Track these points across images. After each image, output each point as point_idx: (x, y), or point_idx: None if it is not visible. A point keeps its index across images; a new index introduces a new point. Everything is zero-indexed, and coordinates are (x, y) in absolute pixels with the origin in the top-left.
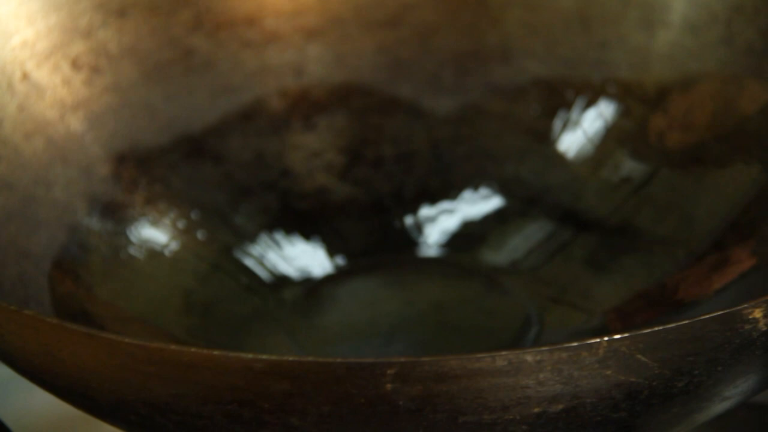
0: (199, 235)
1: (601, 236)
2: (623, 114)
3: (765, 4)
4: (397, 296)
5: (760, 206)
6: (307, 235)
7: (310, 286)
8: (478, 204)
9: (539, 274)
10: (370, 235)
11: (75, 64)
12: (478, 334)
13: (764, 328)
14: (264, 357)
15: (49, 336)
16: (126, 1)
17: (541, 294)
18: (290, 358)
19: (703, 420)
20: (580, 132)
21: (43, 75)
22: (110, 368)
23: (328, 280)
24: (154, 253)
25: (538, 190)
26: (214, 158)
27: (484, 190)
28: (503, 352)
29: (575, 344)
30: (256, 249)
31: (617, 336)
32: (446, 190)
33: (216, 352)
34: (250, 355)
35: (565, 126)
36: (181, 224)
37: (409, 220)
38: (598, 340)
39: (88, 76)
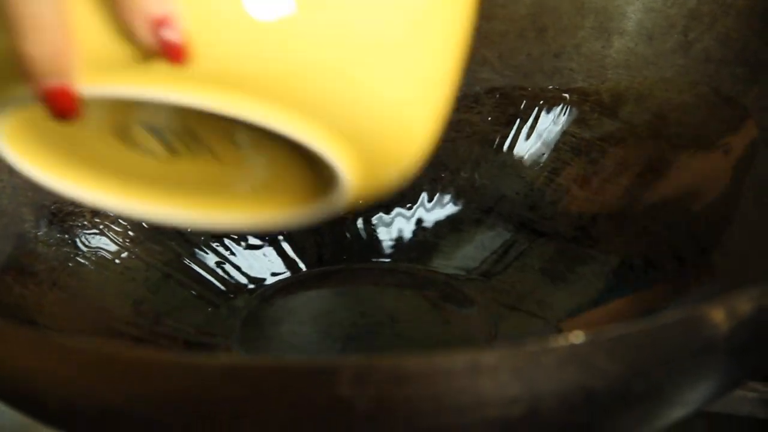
0: (150, 243)
1: (557, 244)
2: (579, 122)
3: (722, 12)
4: (351, 306)
5: (720, 216)
6: (260, 244)
7: (262, 295)
8: (432, 212)
9: (495, 283)
10: (324, 245)
11: None
12: (434, 344)
13: (725, 332)
14: (218, 360)
15: None
16: None
17: (497, 302)
18: (244, 361)
19: (662, 425)
20: (536, 140)
21: None
22: (60, 373)
23: (281, 289)
24: (103, 262)
25: (494, 197)
26: None
27: (438, 199)
28: (462, 353)
29: (535, 346)
30: (208, 258)
31: (577, 339)
32: (400, 199)
33: (168, 356)
34: (204, 359)
35: (520, 134)
36: (131, 233)
37: (363, 229)
38: (558, 342)
39: None
